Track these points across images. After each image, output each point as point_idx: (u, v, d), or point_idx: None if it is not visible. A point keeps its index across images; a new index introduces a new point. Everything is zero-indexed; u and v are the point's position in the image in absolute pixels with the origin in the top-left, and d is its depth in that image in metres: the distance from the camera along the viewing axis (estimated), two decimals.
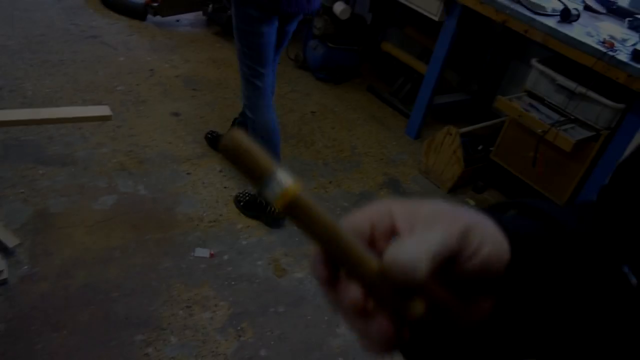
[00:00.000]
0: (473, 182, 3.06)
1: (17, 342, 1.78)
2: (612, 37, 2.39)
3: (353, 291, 0.34)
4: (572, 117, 2.53)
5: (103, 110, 1.26)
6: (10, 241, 2.02)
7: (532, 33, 2.54)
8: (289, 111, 3.42)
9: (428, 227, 0.33)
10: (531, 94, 2.69)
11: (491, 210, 0.41)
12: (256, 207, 2.48)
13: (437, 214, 0.34)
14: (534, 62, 2.64)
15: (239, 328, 2.00)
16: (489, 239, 0.35)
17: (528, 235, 0.38)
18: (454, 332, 0.38)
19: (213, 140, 2.89)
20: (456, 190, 3.02)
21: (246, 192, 2.54)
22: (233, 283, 2.17)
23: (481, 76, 3.56)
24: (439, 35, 3.08)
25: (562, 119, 2.52)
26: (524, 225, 0.40)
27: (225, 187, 2.64)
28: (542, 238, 0.39)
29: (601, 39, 2.36)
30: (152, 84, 3.35)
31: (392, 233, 0.35)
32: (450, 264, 0.34)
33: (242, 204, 2.52)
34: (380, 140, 3.36)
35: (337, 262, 0.34)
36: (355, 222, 0.36)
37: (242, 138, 0.32)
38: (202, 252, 2.26)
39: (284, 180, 0.32)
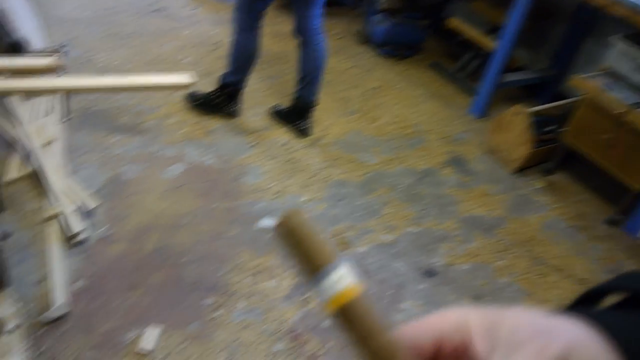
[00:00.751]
0: (541, 163, 2.97)
1: (96, 298, 1.86)
2: None
3: None
4: None
5: (185, 78, 1.28)
6: (90, 204, 2.11)
7: (614, 8, 2.41)
8: (351, 87, 3.40)
9: (510, 354, 0.27)
10: (609, 73, 2.57)
11: (586, 305, 0.32)
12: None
13: (523, 332, 0.28)
14: (615, 38, 2.51)
15: (303, 298, 2.03)
16: None
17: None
18: None
19: (277, 114, 2.91)
20: (523, 172, 2.94)
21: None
22: None
23: (553, 54, 3.42)
24: (509, 10, 2.97)
25: None
26: None
27: (289, 161, 2.66)
28: None
29: None
30: (216, 57, 3.39)
31: (465, 349, 0.29)
32: None
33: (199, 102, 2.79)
34: (444, 118, 3.30)
35: None
36: (417, 335, 0.30)
37: (303, 219, 0.28)
38: (267, 223, 2.30)
39: (344, 278, 0.27)
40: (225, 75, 2.74)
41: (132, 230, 2.14)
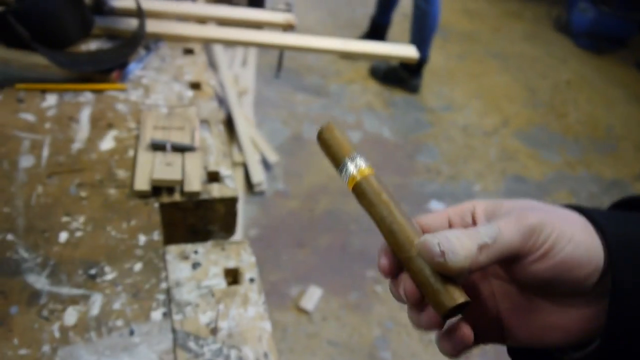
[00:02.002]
0: None
1: (267, 248, 1.96)
2: None
3: (408, 283, 0.34)
4: None
5: (411, 51, 1.24)
6: (271, 158, 2.21)
7: None
8: (541, 76, 3.16)
9: (496, 220, 0.32)
10: None
11: (613, 208, 0.36)
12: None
13: (511, 210, 0.33)
14: None
15: None
16: (568, 240, 0.31)
17: (632, 238, 0.31)
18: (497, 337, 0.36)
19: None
20: None
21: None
22: None
23: None
24: None
25: None
26: (631, 224, 0.32)
27: (466, 146, 2.56)
28: None
29: None
30: (404, 29, 3.33)
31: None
32: (521, 264, 0.32)
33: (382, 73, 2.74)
34: None
35: (388, 243, 0.36)
36: (427, 219, 0.37)
37: (333, 128, 0.38)
38: (438, 206, 2.24)
39: (359, 164, 0.36)
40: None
41: (306, 189, 2.20)
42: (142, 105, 0.98)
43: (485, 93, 2.92)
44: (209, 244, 0.79)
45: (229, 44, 1.21)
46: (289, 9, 1.38)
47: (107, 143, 0.90)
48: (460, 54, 3.20)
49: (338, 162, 0.38)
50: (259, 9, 1.36)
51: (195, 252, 0.78)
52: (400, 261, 0.35)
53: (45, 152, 0.86)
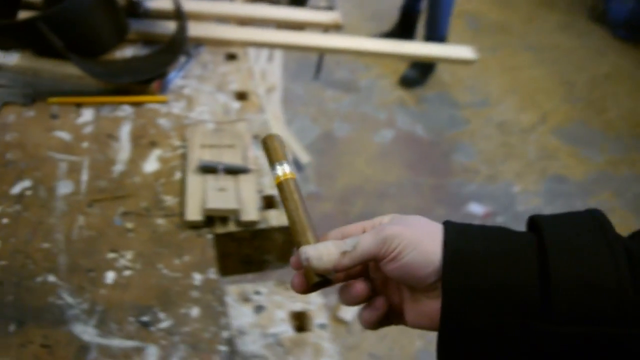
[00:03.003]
0: None
1: None
2: None
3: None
4: None
5: (469, 53, 1.13)
6: (303, 158, 2.11)
7: None
8: (577, 69, 3.02)
9: (364, 235, 0.41)
10: None
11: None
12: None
13: (381, 225, 0.42)
14: None
15: None
16: (413, 248, 0.39)
17: (464, 249, 0.39)
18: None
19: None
20: None
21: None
22: None
23: None
24: None
25: None
26: (475, 237, 0.40)
27: (504, 144, 2.44)
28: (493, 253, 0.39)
29: None
30: None
31: None
32: (380, 265, 0.41)
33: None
34: None
35: (290, 230, 0.45)
36: (349, 227, 0.46)
37: (274, 137, 0.48)
38: (477, 209, 2.14)
39: (284, 169, 0.46)
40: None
41: (339, 191, 2.11)
42: (186, 120, 0.90)
43: (521, 87, 2.80)
44: (271, 283, 0.70)
45: (273, 47, 1.12)
46: (331, 6, 1.28)
47: (151, 164, 0.81)
48: (492, 46, 3.07)
49: (271, 164, 0.47)
50: (301, 7, 1.26)
51: (257, 292, 0.69)
52: (295, 245, 0.44)
53: (85, 176, 0.78)
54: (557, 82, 2.88)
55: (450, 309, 0.38)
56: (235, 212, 0.73)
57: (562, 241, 0.38)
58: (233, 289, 0.68)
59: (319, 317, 0.67)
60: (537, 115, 2.64)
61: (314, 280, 0.42)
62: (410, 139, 2.39)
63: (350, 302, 0.43)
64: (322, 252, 0.41)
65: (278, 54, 2.57)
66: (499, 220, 2.11)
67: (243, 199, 0.75)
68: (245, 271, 0.80)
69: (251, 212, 0.74)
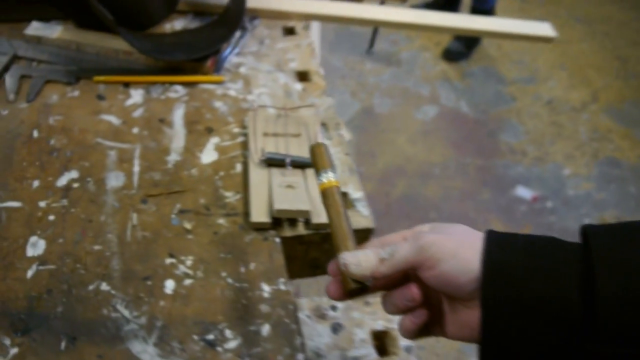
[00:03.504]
0: None
1: None
2: None
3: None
4: None
5: (547, 29, 1.02)
6: (346, 135, 2.02)
7: None
8: (631, 43, 2.84)
9: (404, 242, 0.41)
10: None
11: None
12: None
13: (419, 233, 0.41)
14: None
15: None
16: (451, 256, 0.39)
17: (504, 261, 0.38)
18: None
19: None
20: None
21: None
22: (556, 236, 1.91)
23: None
24: None
25: None
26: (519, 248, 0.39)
27: (553, 123, 2.31)
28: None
29: None
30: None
31: None
32: (417, 272, 0.41)
33: None
34: None
35: (332, 236, 0.45)
36: (389, 236, 0.45)
37: (322, 145, 0.49)
38: (524, 192, 2.03)
39: (329, 177, 0.47)
40: None
41: (380, 171, 2.02)
42: (244, 103, 0.81)
43: (571, 63, 2.64)
44: None
45: (333, 21, 1.02)
46: None
47: (209, 154, 0.73)
48: (540, 18, 2.87)
49: (317, 171, 0.48)
50: None
51: (333, 307, 0.61)
52: (334, 252, 0.44)
53: (137, 167, 0.70)
54: (609, 58, 2.72)
55: (490, 322, 0.37)
56: (306, 214, 0.65)
57: (612, 256, 0.35)
58: (306, 303, 0.60)
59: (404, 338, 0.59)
60: (588, 93, 2.49)
61: (351, 286, 0.42)
62: (454, 116, 2.27)
63: (400, 307, 0.43)
64: (361, 258, 0.41)
65: (316, 23, 2.45)
66: (548, 206, 2.00)
67: (313, 197, 0.67)
68: (311, 275, 0.72)
69: (322, 214, 0.66)
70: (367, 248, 0.43)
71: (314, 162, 0.49)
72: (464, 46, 2.49)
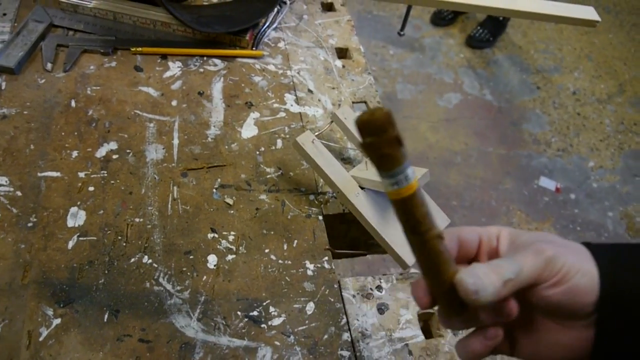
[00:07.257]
0: None
1: None
2: None
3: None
4: None
5: (590, 13, 0.98)
6: None
7: None
8: None
9: (512, 256, 0.35)
10: None
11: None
12: None
13: (529, 244, 0.36)
14: None
15: None
16: (577, 270, 0.34)
17: (624, 272, 0.35)
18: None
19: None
20: None
21: None
22: (578, 229, 1.89)
23: None
24: None
25: None
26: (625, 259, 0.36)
27: (577, 115, 2.27)
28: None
29: None
30: None
31: (496, 255, 0.38)
32: (535, 289, 0.35)
33: None
34: None
35: (419, 262, 0.35)
36: (465, 232, 0.38)
37: (391, 121, 0.30)
38: (548, 184, 2.00)
39: (410, 176, 0.31)
40: None
41: None
42: (284, 78, 0.79)
43: (597, 53, 2.59)
44: (393, 276, 0.61)
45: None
46: None
47: (249, 129, 0.71)
48: None
49: (391, 166, 0.31)
50: None
51: (378, 288, 0.59)
52: (423, 273, 0.35)
53: (176, 140, 0.68)
54: (636, 49, 2.66)
55: (603, 345, 0.35)
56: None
57: None
58: (351, 282, 0.59)
59: None
60: (614, 84, 2.44)
61: (458, 311, 0.35)
62: (477, 105, 2.24)
63: (482, 353, 0.37)
64: (485, 282, 0.33)
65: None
66: (572, 197, 1.97)
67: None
68: (351, 255, 0.71)
69: None
70: (479, 265, 0.35)
71: (381, 151, 0.32)
72: (488, 33, 2.45)
